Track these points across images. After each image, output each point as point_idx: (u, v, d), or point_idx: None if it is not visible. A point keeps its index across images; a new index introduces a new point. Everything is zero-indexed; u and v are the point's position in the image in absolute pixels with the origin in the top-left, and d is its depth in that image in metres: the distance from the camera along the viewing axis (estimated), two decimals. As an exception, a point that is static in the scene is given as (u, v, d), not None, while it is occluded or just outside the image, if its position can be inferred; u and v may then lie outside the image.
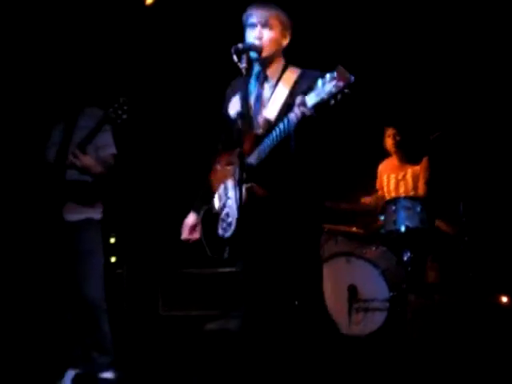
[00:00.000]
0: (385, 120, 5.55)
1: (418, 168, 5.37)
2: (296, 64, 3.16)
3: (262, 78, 3.15)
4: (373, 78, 5.65)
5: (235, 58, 2.93)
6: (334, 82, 2.56)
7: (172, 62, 5.90)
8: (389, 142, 5.48)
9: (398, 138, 5.43)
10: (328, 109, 2.63)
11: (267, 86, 3.13)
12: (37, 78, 4.57)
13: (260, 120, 3.05)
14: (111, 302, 4.00)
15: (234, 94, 3.17)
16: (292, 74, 3.10)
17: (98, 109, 3.93)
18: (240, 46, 2.96)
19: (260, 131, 2.99)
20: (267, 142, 2.90)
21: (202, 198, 3.31)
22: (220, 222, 3.09)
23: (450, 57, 5.58)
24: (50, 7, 5.01)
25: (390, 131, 5.46)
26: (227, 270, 5.44)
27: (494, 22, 5.31)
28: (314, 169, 3.07)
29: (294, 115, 2.76)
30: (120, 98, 3.68)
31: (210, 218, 3.18)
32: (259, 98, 3.12)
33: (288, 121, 2.79)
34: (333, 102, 2.58)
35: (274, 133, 2.86)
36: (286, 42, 3.14)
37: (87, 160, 3.71)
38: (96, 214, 3.94)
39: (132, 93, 3.79)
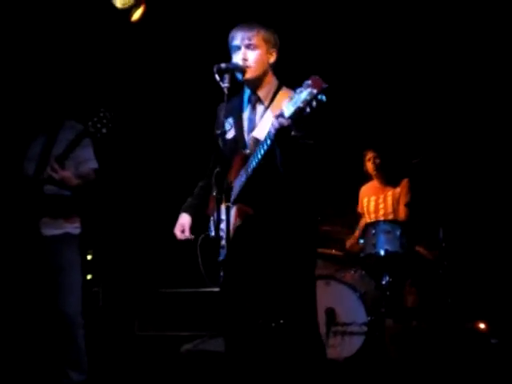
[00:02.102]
0: (365, 143, 5.57)
1: (398, 191, 5.39)
2: (283, 81, 3.17)
3: (254, 100, 3.14)
4: (353, 101, 5.69)
5: (217, 77, 2.92)
6: (308, 90, 2.56)
7: (155, 78, 5.89)
8: (369, 165, 5.49)
9: (377, 161, 5.44)
10: (305, 118, 2.64)
11: (260, 109, 3.13)
12: (16, 90, 4.52)
13: (249, 140, 3.06)
14: (86, 321, 3.95)
15: (226, 118, 3.15)
16: (284, 96, 3.06)
17: (77, 122, 3.91)
18: (222, 65, 2.95)
19: (248, 151, 3.00)
20: (253, 160, 2.91)
21: (192, 201, 3.34)
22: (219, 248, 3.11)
23: (433, 82, 5.63)
24: (31, 20, 4.98)
25: (369, 154, 5.47)
26: (205, 289, 5.40)
27: (476, 49, 5.37)
28: (303, 187, 3.06)
29: (272, 127, 2.75)
30: (100, 112, 3.64)
31: (207, 244, 3.20)
32: (252, 121, 3.12)
33: (268, 134, 2.79)
34: (308, 109, 2.58)
35: (257, 150, 2.87)
36: (272, 59, 3.13)
37: (65, 173, 3.68)
38: (74, 228, 3.91)
39: (112, 107, 3.75)
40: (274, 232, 2.99)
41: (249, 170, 2.93)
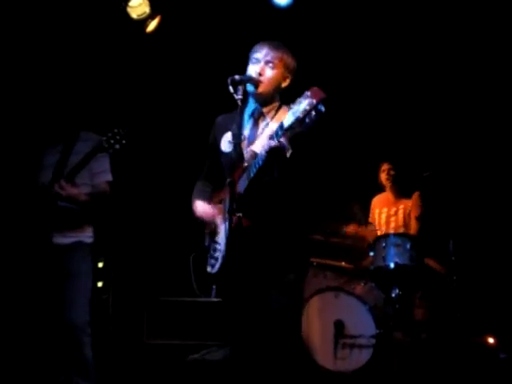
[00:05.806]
0: (380, 155, 5.59)
1: (410, 204, 5.41)
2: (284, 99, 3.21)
3: (258, 116, 3.17)
4: (369, 115, 5.71)
5: (231, 88, 2.95)
6: (308, 100, 2.62)
7: (171, 89, 5.93)
8: (383, 177, 5.51)
9: (392, 173, 5.47)
10: (301, 138, 2.73)
11: (262, 124, 3.16)
12: (33, 100, 4.57)
13: (247, 154, 3.08)
14: (96, 328, 3.96)
15: (226, 131, 3.18)
16: (284, 113, 3.12)
17: (94, 134, 3.94)
18: (237, 77, 2.98)
19: (246, 164, 3.02)
20: (247, 174, 2.95)
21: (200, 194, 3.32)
22: (208, 259, 3.13)
23: (447, 96, 5.64)
24: (48, 31, 5.03)
25: (384, 166, 5.50)
26: (214, 299, 5.40)
27: (491, 65, 5.38)
28: (298, 199, 3.09)
29: (263, 149, 2.85)
30: (114, 129, 3.68)
31: (200, 257, 3.21)
32: (252, 135, 3.14)
33: (260, 154, 2.87)
34: (308, 120, 2.63)
35: (252, 165, 2.93)
36: (285, 84, 3.16)
37: (72, 190, 3.69)
38: (87, 237, 3.91)
39: (127, 119, 3.79)
40: (265, 242, 3.02)
41: (245, 183, 2.96)
